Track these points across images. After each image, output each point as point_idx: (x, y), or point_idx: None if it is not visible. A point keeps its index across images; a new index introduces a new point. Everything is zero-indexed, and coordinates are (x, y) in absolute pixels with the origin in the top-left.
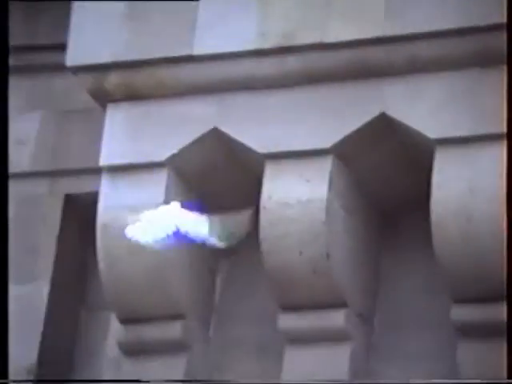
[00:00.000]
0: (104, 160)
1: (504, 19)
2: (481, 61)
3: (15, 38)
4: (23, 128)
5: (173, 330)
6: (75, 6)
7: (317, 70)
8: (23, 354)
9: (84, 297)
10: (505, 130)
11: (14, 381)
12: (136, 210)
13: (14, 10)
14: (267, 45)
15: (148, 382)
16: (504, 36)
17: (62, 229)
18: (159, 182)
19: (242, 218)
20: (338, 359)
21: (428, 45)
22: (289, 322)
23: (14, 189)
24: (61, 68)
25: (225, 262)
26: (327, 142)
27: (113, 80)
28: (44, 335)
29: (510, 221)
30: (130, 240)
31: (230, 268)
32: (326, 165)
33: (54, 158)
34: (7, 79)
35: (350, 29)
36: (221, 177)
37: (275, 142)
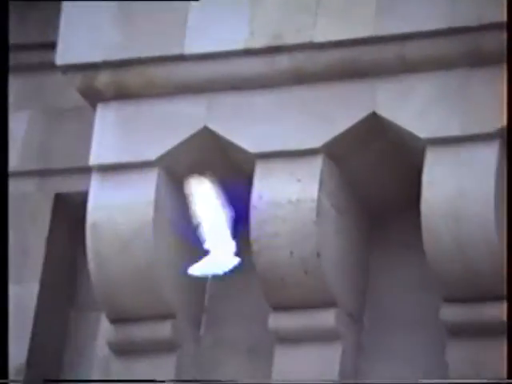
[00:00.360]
0: (94, 159)
1: (495, 19)
2: (471, 60)
3: None
4: (12, 127)
5: (163, 330)
6: (65, 4)
7: (307, 69)
8: (12, 354)
9: (74, 297)
10: (494, 129)
11: (14, 380)
12: (126, 209)
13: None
14: (257, 44)
15: (138, 381)
16: (495, 36)
17: (51, 228)
18: (149, 181)
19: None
20: (328, 358)
21: (418, 44)
22: (279, 321)
23: None
24: (50, 67)
25: None
26: (318, 142)
27: (103, 79)
28: (33, 335)
29: (510, 222)
30: (119, 239)
31: None
32: (317, 164)
33: (44, 157)
34: (7, 78)
35: (339, 29)
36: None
37: (266, 141)
